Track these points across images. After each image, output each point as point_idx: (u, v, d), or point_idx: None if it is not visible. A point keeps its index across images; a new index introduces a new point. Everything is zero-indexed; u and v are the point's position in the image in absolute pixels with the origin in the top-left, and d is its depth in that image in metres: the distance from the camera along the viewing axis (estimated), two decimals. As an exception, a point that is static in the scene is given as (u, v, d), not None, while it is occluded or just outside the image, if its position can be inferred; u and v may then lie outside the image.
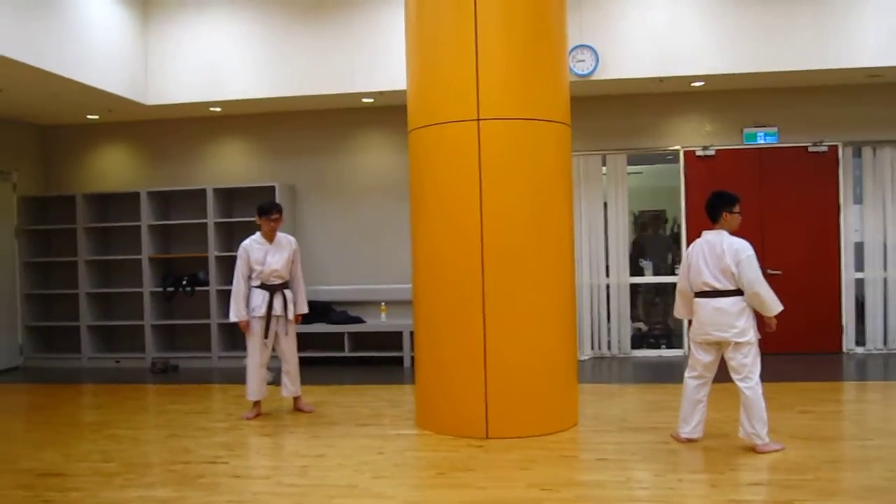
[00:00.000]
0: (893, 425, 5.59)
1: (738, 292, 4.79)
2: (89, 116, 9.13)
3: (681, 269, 5.11)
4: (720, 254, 4.81)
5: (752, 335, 4.79)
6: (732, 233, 4.93)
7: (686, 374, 5.04)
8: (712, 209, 5.00)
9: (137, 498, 4.21)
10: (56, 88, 7.54)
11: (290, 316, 6.19)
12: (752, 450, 4.73)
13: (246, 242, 6.16)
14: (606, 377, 7.83)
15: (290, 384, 6.23)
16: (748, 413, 4.73)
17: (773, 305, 4.80)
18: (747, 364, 4.75)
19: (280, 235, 6.21)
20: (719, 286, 4.80)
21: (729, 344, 4.78)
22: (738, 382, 4.77)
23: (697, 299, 4.92)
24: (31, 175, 9.56)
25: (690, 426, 4.98)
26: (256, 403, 6.17)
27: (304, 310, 6.37)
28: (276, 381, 6.41)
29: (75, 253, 9.18)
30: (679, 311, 5.18)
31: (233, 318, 6.11)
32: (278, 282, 6.13)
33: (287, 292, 6.18)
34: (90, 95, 7.87)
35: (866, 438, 5.18)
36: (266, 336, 6.10)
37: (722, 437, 5.07)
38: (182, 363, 8.90)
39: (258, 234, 6.18)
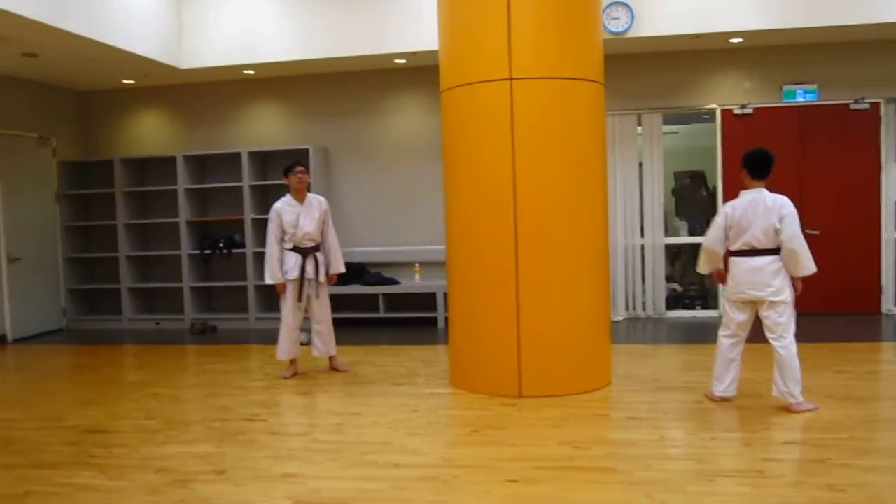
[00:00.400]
0: (932, 385, 5.53)
1: (776, 251, 4.74)
2: (125, 81, 9.21)
3: (713, 228, 5.00)
4: (765, 210, 4.74)
5: (787, 294, 4.74)
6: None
7: (720, 333, 5.02)
8: (765, 165, 4.85)
9: (178, 453, 4.33)
10: (91, 54, 7.62)
11: (322, 279, 6.23)
12: (786, 409, 4.72)
13: (277, 205, 6.19)
14: (640, 338, 7.82)
15: (322, 344, 6.31)
16: (782, 372, 4.71)
17: (809, 265, 4.74)
18: (782, 323, 4.72)
19: (311, 196, 6.24)
20: (758, 245, 4.75)
21: (764, 302, 4.75)
22: (772, 341, 4.74)
23: (734, 258, 4.87)
24: (70, 140, 9.70)
25: (724, 385, 4.98)
26: (293, 363, 6.27)
27: (341, 269, 6.39)
28: (310, 341, 6.51)
29: (114, 217, 9.34)
30: (703, 266, 5.12)
31: (268, 280, 6.18)
32: (311, 244, 6.18)
33: (319, 255, 6.22)
34: (125, 60, 7.94)
35: (904, 398, 5.14)
36: (299, 299, 6.16)
37: (755, 396, 5.06)
38: (220, 324, 9.06)
39: (288, 195, 6.21)
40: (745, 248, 4.79)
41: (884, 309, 8.42)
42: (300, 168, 6.21)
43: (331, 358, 6.39)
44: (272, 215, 6.17)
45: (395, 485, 3.74)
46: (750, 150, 4.96)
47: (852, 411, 4.72)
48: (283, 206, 6.16)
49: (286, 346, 6.22)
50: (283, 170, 6.31)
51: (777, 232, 4.71)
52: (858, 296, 8.41)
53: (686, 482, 3.66)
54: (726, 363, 4.97)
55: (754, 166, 4.87)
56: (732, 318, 4.92)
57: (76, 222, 9.59)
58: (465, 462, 4.10)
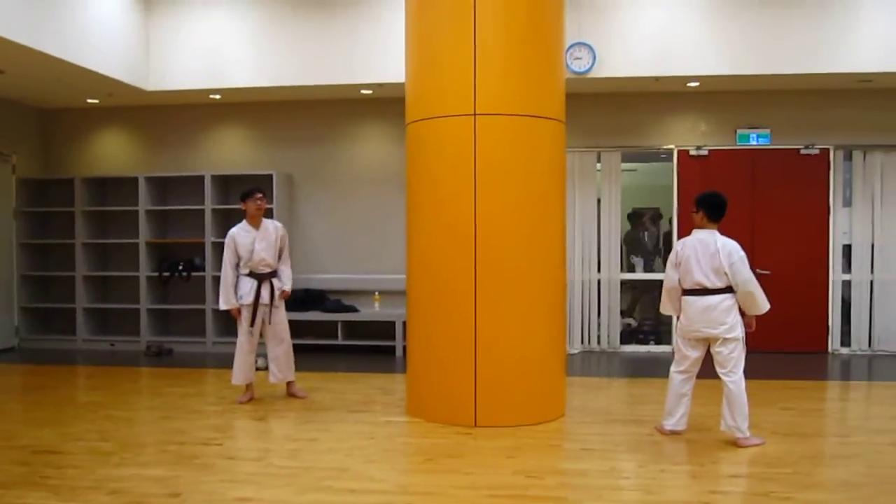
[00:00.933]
0: (874, 423, 5.73)
1: (727, 290, 4.90)
2: (89, 100, 9.18)
3: (668, 266, 5.18)
4: (714, 253, 4.91)
5: (739, 331, 4.91)
6: (721, 233, 5.03)
7: (672, 369, 5.16)
8: (722, 209, 5.03)
9: (133, 476, 4.32)
10: (58, 72, 7.61)
11: (277, 303, 6.25)
12: (734, 443, 4.85)
13: (233, 231, 6.21)
14: (595, 371, 7.95)
15: (278, 370, 6.30)
16: (731, 407, 4.86)
17: (763, 305, 4.93)
18: (733, 359, 4.88)
19: (266, 222, 6.28)
20: (709, 285, 4.91)
21: (717, 339, 4.90)
22: (723, 376, 4.89)
23: (686, 297, 5.02)
24: (31, 157, 9.62)
25: (675, 419, 5.11)
26: (249, 387, 6.26)
27: (286, 288, 6.32)
28: (267, 366, 6.51)
29: (73, 236, 9.26)
30: (665, 307, 5.27)
31: (223, 306, 6.19)
32: (266, 270, 6.19)
33: (275, 281, 6.25)
34: (91, 80, 7.93)
35: (846, 435, 5.33)
36: (252, 324, 6.17)
37: (704, 430, 5.19)
38: (176, 347, 8.99)
39: (244, 222, 6.24)
40: (697, 287, 4.95)
41: (830, 348, 8.67)
42: (259, 194, 6.26)
43: (288, 384, 6.40)
44: (227, 241, 6.19)
45: (350, 511, 3.78)
46: (707, 193, 5.13)
47: (796, 447, 4.87)
48: (239, 232, 6.19)
49: (241, 370, 6.21)
50: (240, 195, 6.33)
51: (726, 274, 4.87)
52: (806, 335, 8.66)
53: (635, 512, 3.77)
54: (677, 398, 5.11)
55: (712, 209, 5.04)
56: (686, 354, 5.07)
57: (33, 240, 9.48)
58: (421, 489, 4.15)
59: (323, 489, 4.10)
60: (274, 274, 6.25)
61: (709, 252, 4.92)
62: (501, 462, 4.57)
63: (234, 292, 6.16)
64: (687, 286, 5.01)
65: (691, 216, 5.16)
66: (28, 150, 9.57)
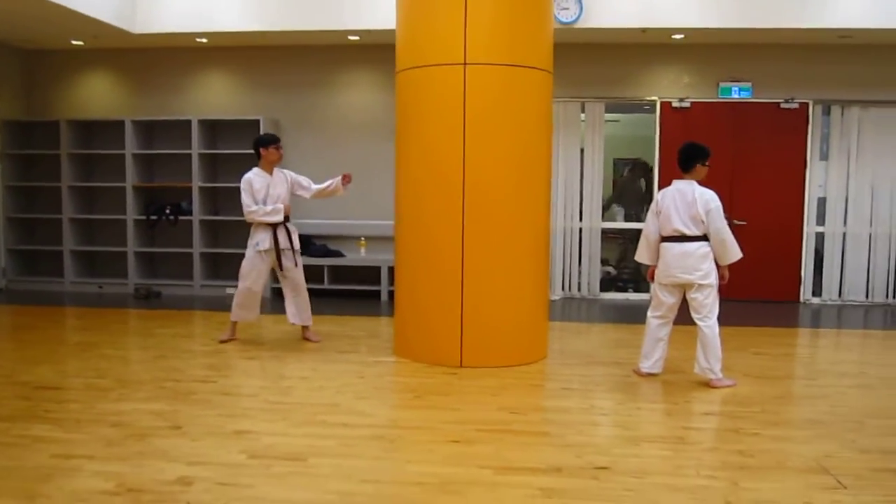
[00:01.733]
0: (841, 367, 5.99)
1: (703, 238, 5.11)
2: (74, 42, 9.12)
3: (649, 215, 5.38)
4: (691, 202, 5.10)
5: (713, 278, 5.12)
6: (700, 184, 5.21)
7: (649, 314, 5.37)
8: (686, 159, 5.24)
9: (133, 410, 4.49)
10: (41, 12, 7.55)
11: (297, 247, 6.35)
12: (707, 384, 5.10)
13: (248, 175, 6.21)
14: (576, 316, 8.19)
15: (300, 312, 6.40)
16: (705, 350, 5.09)
17: (735, 252, 5.13)
18: (708, 304, 5.09)
19: (276, 170, 6.34)
20: (688, 232, 5.10)
21: (693, 285, 5.11)
22: (698, 321, 5.11)
23: (664, 244, 5.22)
24: (14, 99, 9.58)
25: (650, 361, 5.34)
26: (234, 325, 6.42)
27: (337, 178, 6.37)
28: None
29: (59, 179, 9.29)
30: (642, 254, 5.44)
31: (276, 216, 6.16)
32: (279, 217, 6.21)
33: (290, 226, 6.33)
34: (76, 20, 7.88)
35: (813, 378, 5.61)
36: (282, 268, 6.26)
37: (680, 372, 5.43)
38: (164, 290, 9.12)
39: (257, 168, 6.26)
40: (675, 234, 5.14)
41: (802, 298, 8.96)
42: (280, 143, 6.34)
43: (304, 328, 6.53)
44: (244, 185, 6.17)
45: (344, 442, 3.97)
46: (683, 145, 5.31)
47: (766, 388, 5.13)
48: (254, 177, 6.21)
49: (252, 312, 6.36)
50: (261, 140, 6.31)
51: (703, 222, 5.07)
52: (780, 285, 8.93)
53: (612, 446, 4.00)
54: (654, 342, 5.33)
55: (680, 160, 5.26)
56: (662, 300, 5.27)
57: (18, 182, 9.49)
58: (410, 424, 4.36)
59: (317, 423, 4.29)
60: (287, 219, 6.32)
61: (686, 201, 5.11)
62: (486, 399, 4.79)
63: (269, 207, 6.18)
64: (665, 234, 5.20)
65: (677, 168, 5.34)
66: (11, 91, 9.53)
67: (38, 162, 9.56)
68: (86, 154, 9.48)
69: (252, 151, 6.35)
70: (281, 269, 6.28)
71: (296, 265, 6.34)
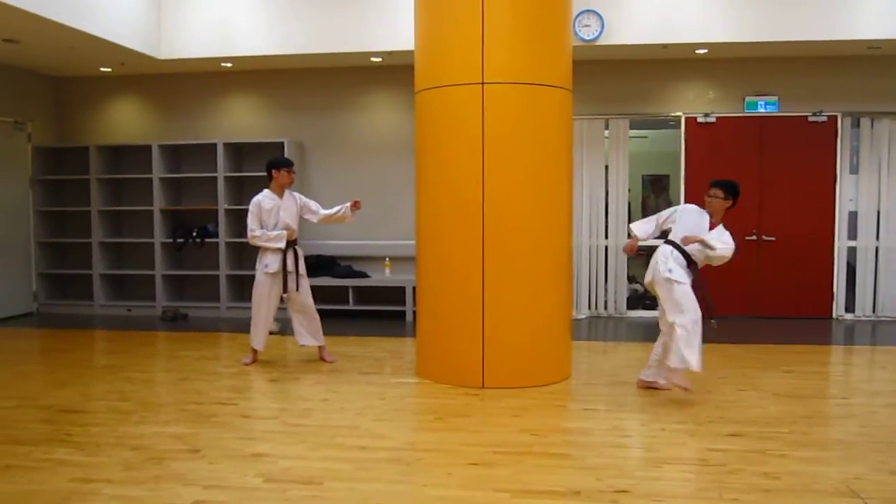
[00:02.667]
0: (873, 386, 5.86)
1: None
2: (102, 69, 9.29)
3: (658, 214, 5.50)
4: (701, 228, 5.21)
5: (679, 275, 5.13)
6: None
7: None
8: (736, 195, 5.27)
9: (154, 433, 4.50)
10: (71, 41, 7.71)
11: (302, 270, 6.37)
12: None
13: (258, 197, 6.27)
14: (602, 335, 8.10)
15: (311, 335, 6.43)
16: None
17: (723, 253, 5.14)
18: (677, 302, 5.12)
19: (287, 192, 6.38)
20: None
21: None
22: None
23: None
24: (46, 126, 9.76)
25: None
26: (256, 351, 6.44)
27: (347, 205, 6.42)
28: (282, 331, 6.64)
29: (88, 203, 9.43)
30: (639, 229, 5.49)
31: (278, 243, 6.20)
32: (282, 244, 6.25)
33: (298, 249, 6.36)
34: (104, 48, 8.03)
35: (844, 397, 5.46)
36: (286, 290, 6.29)
37: (709, 392, 5.34)
38: (191, 312, 9.19)
39: (267, 190, 6.32)
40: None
41: (835, 314, 8.77)
42: (293, 166, 6.40)
43: (320, 348, 6.53)
44: (252, 208, 6.24)
45: (361, 465, 3.94)
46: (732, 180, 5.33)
47: (794, 408, 5.01)
48: (263, 199, 6.26)
49: (263, 334, 6.39)
50: (273, 163, 6.35)
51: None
52: (811, 301, 8.76)
53: (634, 468, 3.93)
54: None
55: (733, 192, 5.25)
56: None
57: (49, 207, 9.65)
58: (429, 446, 4.32)
59: (335, 446, 4.27)
60: (296, 242, 6.36)
61: (694, 228, 5.22)
62: (507, 421, 4.73)
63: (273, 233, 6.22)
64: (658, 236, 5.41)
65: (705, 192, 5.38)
66: (43, 118, 9.71)
67: (69, 187, 9.71)
68: (114, 178, 9.62)
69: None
70: (285, 292, 6.29)
71: (297, 289, 6.32)
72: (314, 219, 6.50)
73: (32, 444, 4.30)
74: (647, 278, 5.35)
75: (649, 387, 5.43)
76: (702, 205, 5.30)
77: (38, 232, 9.54)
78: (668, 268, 5.13)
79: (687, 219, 5.27)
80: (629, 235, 5.59)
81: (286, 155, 8.79)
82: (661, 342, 5.34)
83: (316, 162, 9.38)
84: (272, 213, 6.23)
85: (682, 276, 5.12)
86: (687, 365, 4.98)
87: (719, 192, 5.23)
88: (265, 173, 6.39)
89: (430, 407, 5.16)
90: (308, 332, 6.43)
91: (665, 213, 5.49)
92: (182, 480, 3.73)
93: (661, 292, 5.18)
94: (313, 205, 6.49)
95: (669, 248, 5.22)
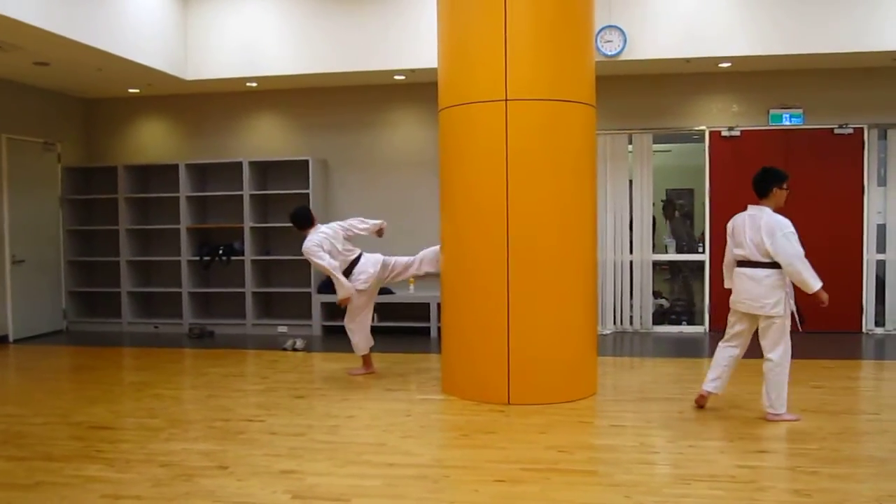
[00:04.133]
0: (904, 401, 5.77)
1: (773, 265, 4.95)
2: (130, 90, 9.44)
3: (728, 242, 5.29)
4: (758, 228, 5.00)
5: (780, 309, 4.95)
6: (777, 210, 5.07)
7: (720, 342, 5.32)
8: (762, 184, 5.10)
9: (182, 450, 4.54)
10: (99, 63, 7.85)
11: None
12: (763, 418, 4.99)
13: (316, 239, 6.49)
14: (628, 350, 8.05)
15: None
16: (767, 384, 4.99)
17: (812, 282, 4.91)
18: (771, 337, 4.98)
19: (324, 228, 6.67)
20: (753, 258, 5.02)
21: (759, 316, 5.02)
22: (764, 353, 5.02)
23: (737, 268, 5.14)
24: (75, 146, 9.92)
25: (708, 380, 5.27)
26: (367, 358, 6.69)
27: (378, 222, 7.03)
28: (307, 348, 6.73)
29: (116, 222, 9.55)
30: (727, 280, 5.36)
31: (344, 293, 6.53)
32: (352, 256, 6.66)
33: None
34: (132, 70, 8.17)
35: (875, 413, 5.39)
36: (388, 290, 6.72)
37: (736, 407, 5.30)
38: (217, 329, 9.26)
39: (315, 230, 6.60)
40: (744, 259, 5.07)
41: (865, 328, 8.67)
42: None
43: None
44: (315, 250, 6.44)
45: (388, 482, 3.95)
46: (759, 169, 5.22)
47: (825, 423, 4.95)
48: (322, 240, 6.51)
49: (366, 341, 6.69)
50: (307, 217, 6.70)
51: (767, 251, 4.94)
52: (840, 315, 8.62)
53: (663, 485, 3.89)
54: (718, 365, 5.26)
55: (755, 185, 5.15)
56: (731, 323, 5.24)
57: (78, 226, 9.79)
58: (456, 463, 4.32)
59: (362, 463, 4.28)
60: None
61: (755, 226, 5.02)
62: (534, 438, 4.72)
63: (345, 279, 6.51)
64: (737, 258, 5.14)
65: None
66: (72, 139, 9.87)
67: (98, 206, 9.86)
68: (142, 198, 9.75)
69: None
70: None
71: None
72: (364, 233, 6.88)
73: (63, 461, 4.36)
74: (734, 304, 5.15)
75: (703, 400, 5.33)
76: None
77: (67, 251, 9.68)
78: (770, 303, 4.95)
79: (743, 230, 5.08)
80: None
81: (310, 173, 8.89)
82: (729, 355, 5.24)
83: (340, 180, 9.45)
84: (330, 248, 6.51)
85: (783, 309, 4.98)
86: (772, 409, 4.97)
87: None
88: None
89: (456, 424, 5.16)
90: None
91: (728, 230, 5.28)
92: (211, 497, 3.75)
93: (761, 324, 5.04)
94: (356, 222, 6.87)
95: (762, 272, 4.97)
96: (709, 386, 5.25)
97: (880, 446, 4.49)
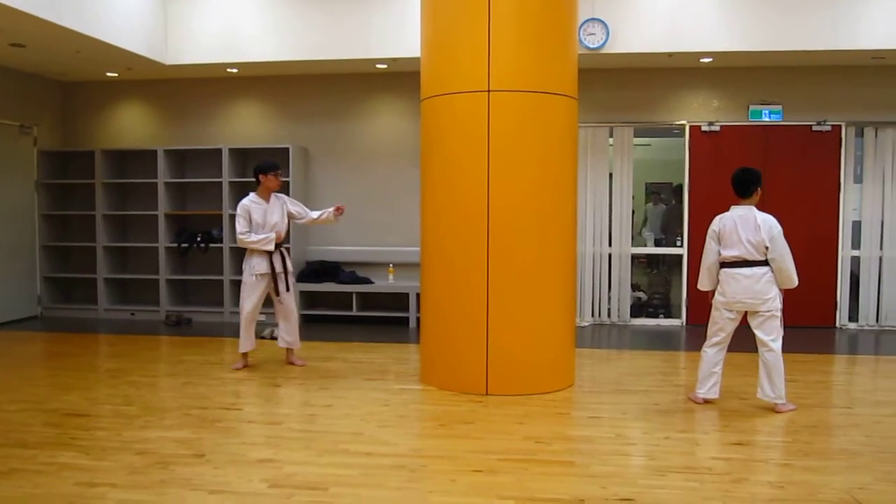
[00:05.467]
0: (877, 396, 5.86)
1: (765, 263, 5.08)
2: (109, 74, 9.33)
3: (708, 244, 5.30)
4: (754, 227, 5.08)
5: (779, 303, 5.12)
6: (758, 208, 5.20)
7: (705, 346, 5.35)
8: (746, 185, 5.21)
9: (158, 438, 4.51)
10: (77, 46, 7.74)
11: (290, 269, 6.49)
12: (772, 409, 5.12)
13: (245, 201, 6.35)
14: (605, 343, 8.10)
15: (288, 335, 6.52)
16: (771, 375, 5.10)
17: (795, 279, 5.14)
18: (775, 328, 5.12)
19: (273, 196, 6.44)
20: (749, 257, 5.09)
21: (758, 312, 5.08)
22: (764, 346, 5.12)
23: (727, 270, 5.18)
24: (51, 130, 9.79)
25: (706, 387, 5.31)
26: (244, 355, 6.49)
27: (331, 210, 6.64)
28: (273, 336, 6.76)
29: (93, 207, 9.45)
30: (703, 282, 5.39)
31: (268, 246, 6.28)
32: (271, 246, 6.33)
33: (284, 250, 6.46)
34: (110, 53, 8.07)
35: (848, 406, 5.46)
36: (278, 293, 6.37)
37: (713, 401, 5.33)
38: (195, 317, 9.20)
39: (254, 194, 6.41)
40: (737, 259, 5.12)
41: (838, 323, 8.77)
42: (280, 170, 6.47)
43: (289, 351, 6.60)
44: (241, 211, 6.32)
45: (366, 472, 3.95)
46: (738, 170, 5.30)
47: (798, 417, 5.02)
48: (251, 204, 6.34)
49: (248, 338, 6.43)
50: (261, 167, 6.43)
51: (766, 248, 5.06)
52: (815, 310, 8.75)
53: (638, 476, 3.93)
54: (710, 369, 5.30)
55: (737, 186, 5.22)
56: (722, 327, 5.26)
57: (54, 211, 9.67)
58: (433, 453, 4.32)
59: (339, 452, 4.28)
60: (282, 244, 6.45)
61: (749, 227, 5.10)
62: (511, 428, 4.74)
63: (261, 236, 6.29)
64: (726, 259, 5.17)
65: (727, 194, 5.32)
66: (49, 122, 9.74)
67: (74, 191, 9.74)
68: (120, 183, 9.64)
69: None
70: (277, 294, 6.38)
71: (287, 289, 6.45)
72: (300, 222, 6.66)
73: (37, 448, 4.32)
74: (732, 306, 5.17)
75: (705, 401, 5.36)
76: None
77: (42, 235, 9.56)
78: (770, 298, 5.09)
79: (735, 230, 5.14)
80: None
81: (290, 161, 8.84)
82: (721, 357, 5.30)
83: (320, 168, 9.41)
84: (259, 219, 6.31)
85: (779, 302, 5.14)
86: (782, 400, 5.09)
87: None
88: (280, 179, 6.46)
89: (433, 414, 5.16)
90: (286, 333, 6.50)
91: (711, 231, 5.30)
92: (187, 485, 3.74)
93: (756, 319, 5.12)
94: (299, 209, 6.59)
95: (760, 270, 5.09)
96: (710, 394, 5.31)
97: (852, 440, 4.55)
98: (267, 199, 6.39)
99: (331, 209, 6.58)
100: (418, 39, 6.00)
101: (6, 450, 4.30)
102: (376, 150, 9.33)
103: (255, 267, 6.33)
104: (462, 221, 5.56)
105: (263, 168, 6.41)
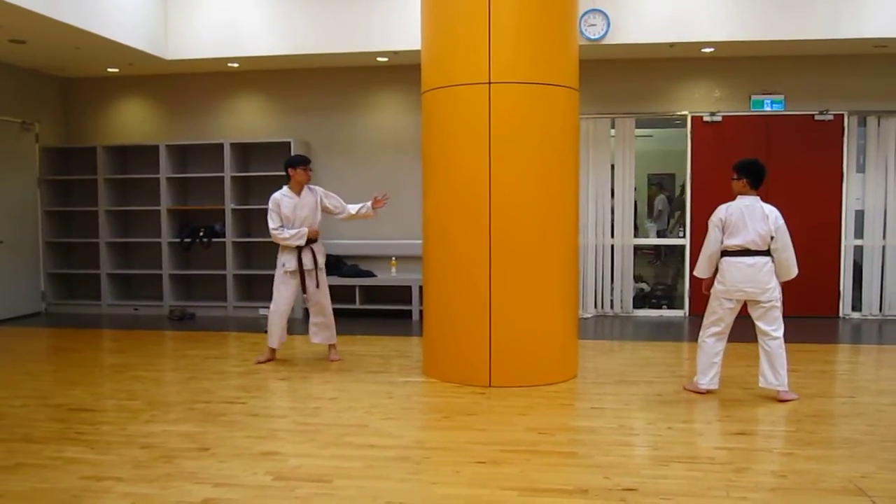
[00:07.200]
0: (880, 385, 5.85)
1: (767, 253, 5.12)
2: (110, 69, 9.34)
3: (712, 232, 5.28)
4: (762, 217, 5.12)
5: (779, 292, 5.15)
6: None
7: (704, 335, 5.33)
8: (760, 177, 5.24)
9: (163, 432, 4.53)
10: (78, 42, 7.76)
11: (321, 266, 6.39)
12: (775, 398, 5.12)
13: (277, 195, 6.27)
14: (608, 334, 8.11)
15: (322, 331, 6.46)
16: (774, 364, 5.11)
17: (795, 270, 5.18)
18: (776, 318, 5.14)
19: (306, 189, 6.36)
20: (754, 247, 5.11)
21: (759, 301, 5.11)
22: (766, 334, 5.13)
23: (729, 258, 5.17)
24: (53, 126, 9.81)
25: (708, 377, 5.31)
26: (273, 350, 6.47)
27: (369, 204, 6.47)
28: (290, 330, 6.72)
29: (96, 203, 9.47)
30: (702, 269, 5.38)
31: (299, 241, 6.21)
32: (303, 241, 6.26)
33: (315, 246, 6.37)
34: (111, 49, 8.08)
35: (851, 396, 5.45)
36: (305, 290, 6.32)
37: (714, 391, 5.34)
38: (198, 312, 9.23)
39: (286, 187, 6.31)
40: (739, 249, 5.12)
41: (841, 313, 8.77)
42: (310, 164, 6.39)
43: (330, 347, 6.56)
44: (271, 205, 6.24)
45: (370, 464, 3.96)
46: (749, 160, 5.30)
47: (801, 407, 5.02)
48: (282, 198, 6.27)
49: (279, 333, 6.41)
50: (290, 161, 6.33)
51: (772, 239, 5.09)
52: (818, 300, 8.75)
53: (641, 466, 3.94)
54: (710, 359, 5.30)
55: (756, 177, 5.24)
56: (722, 316, 5.25)
57: (57, 207, 9.69)
58: (437, 444, 4.34)
59: (343, 444, 4.29)
60: (316, 240, 6.37)
61: (756, 216, 5.12)
62: (514, 419, 4.75)
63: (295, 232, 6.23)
64: (729, 248, 5.17)
65: (731, 182, 5.30)
66: (50, 119, 9.75)
67: (76, 187, 9.77)
68: (122, 179, 9.66)
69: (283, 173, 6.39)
70: (304, 292, 6.32)
71: (318, 286, 6.36)
72: (338, 217, 6.54)
73: (43, 443, 4.33)
74: (733, 294, 5.16)
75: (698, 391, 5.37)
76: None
77: (45, 232, 9.59)
78: (771, 287, 5.11)
79: (742, 220, 5.14)
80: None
81: (292, 155, 8.83)
82: (721, 346, 5.30)
83: (323, 162, 9.40)
84: (290, 213, 6.24)
85: (779, 291, 5.17)
86: (783, 385, 5.12)
87: (733, 174, 5.26)
88: (281, 173, 6.41)
89: (437, 406, 5.18)
90: (320, 329, 6.46)
91: (715, 220, 5.25)
92: (192, 479, 3.75)
93: (758, 309, 5.14)
94: (335, 201, 6.47)
95: (763, 259, 5.11)
96: (712, 384, 5.32)
97: (855, 429, 4.55)
98: (298, 192, 6.32)
99: (369, 203, 6.43)
100: (419, 32, 6.00)
101: (12, 445, 4.32)
102: (378, 144, 9.33)
103: (286, 263, 6.29)
104: (464, 214, 5.56)
105: (293, 162, 6.34)
